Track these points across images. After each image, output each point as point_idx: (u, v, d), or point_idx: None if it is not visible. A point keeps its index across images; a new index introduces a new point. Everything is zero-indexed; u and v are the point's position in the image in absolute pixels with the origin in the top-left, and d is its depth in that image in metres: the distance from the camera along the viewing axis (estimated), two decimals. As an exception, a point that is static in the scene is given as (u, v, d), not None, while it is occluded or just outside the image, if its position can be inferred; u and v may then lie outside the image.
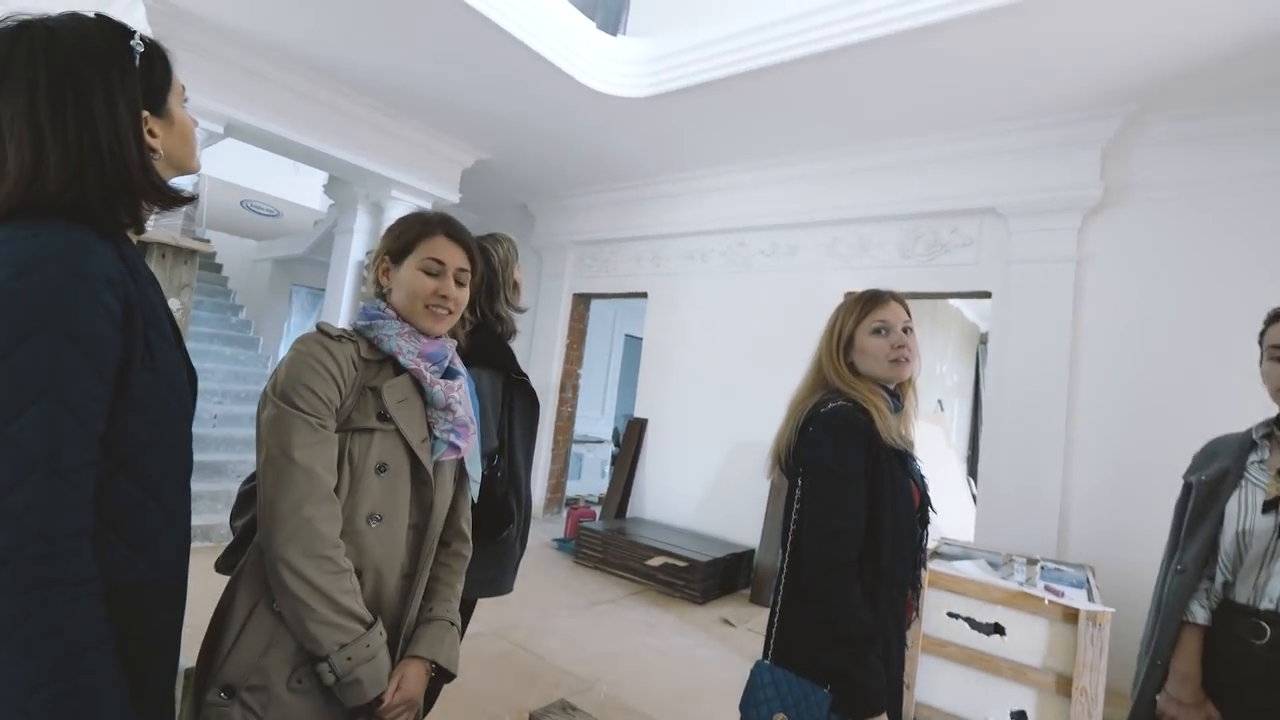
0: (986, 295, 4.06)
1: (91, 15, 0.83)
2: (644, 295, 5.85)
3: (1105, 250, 3.64)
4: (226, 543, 1.19)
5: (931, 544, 2.86)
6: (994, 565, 2.74)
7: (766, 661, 1.34)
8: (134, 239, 0.90)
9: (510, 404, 1.70)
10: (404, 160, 4.92)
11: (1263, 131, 3.26)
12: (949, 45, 3.14)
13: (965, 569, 2.63)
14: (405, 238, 1.19)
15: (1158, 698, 1.52)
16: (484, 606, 1.89)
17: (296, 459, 1.00)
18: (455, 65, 3.92)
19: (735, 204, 5.12)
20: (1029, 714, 2.31)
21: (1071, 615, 2.26)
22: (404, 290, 1.17)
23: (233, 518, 1.20)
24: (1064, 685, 2.23)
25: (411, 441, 1.12)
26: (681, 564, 4.22)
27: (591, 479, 7.83)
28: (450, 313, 1.20)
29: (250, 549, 1.08)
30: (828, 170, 4.60)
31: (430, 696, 1.48)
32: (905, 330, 1.41)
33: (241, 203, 8.77)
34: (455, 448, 1.19)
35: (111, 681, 0.73)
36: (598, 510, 5.76)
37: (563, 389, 6.34)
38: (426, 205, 5.06)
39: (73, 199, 0.77)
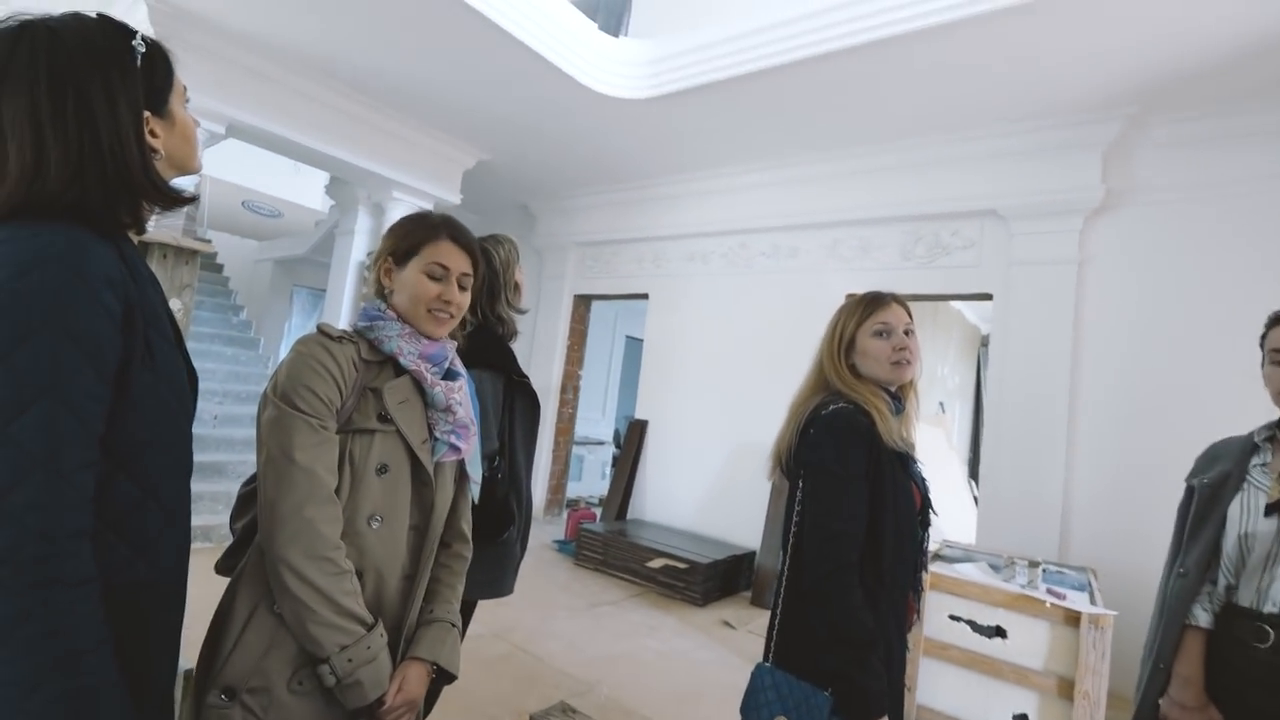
0: (988, 297, 4.06)
1: (93, 15, 0.83)
2: (645, 296, 5.85)
3: (1106, 252, 3.64)
4: (226, 544, 1.19)
5: (933, 546, 2.85)
6: (995, 568, 2.73)
7: (767, 664, 1.34)
8: (135, 239, 0.89)
9: (511, 405, 1.70)
10: (405, 161, 4.92)
11: (1265, 133, 3.26)
12: (950, 48, 3.14)
13: (967, 571, 2.63)
14: (410, 240, 1.18)
15: (1160, 701, 1.51)
16: (484, 608, 1.88)
17: (297, 460, 1.00)
18: (457, 66, 3.92)
19: (736, 205, 5.12)
20: (1031, 717, 2.30)
21: (1073, 618, 2.25)
22: (407, 293, 1.17)
23: (233, 519, 1.20)
24: (1066, 688, 2.22)
25: (412, 443, 1.12)
26: (682, 566, 4.21)
27: (592, 480, 7.83)
28: (452, 316, 1.20)
29: (251, 550, 1.08)
30: (829, 172, 4.60)
31: (430, 698, 1.47)
32: (907, 332, 1.41)
33: (243, 203, 8.78)
34: (456, 449, 1.19)
35: (111, 682, 0.73)
36: (598, 512, 5.75)
37: (563, 390, 6.34)
38: (428, 206, 5.06)
39: (74, 199, 0.77)
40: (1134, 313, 3.52)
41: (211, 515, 4.15)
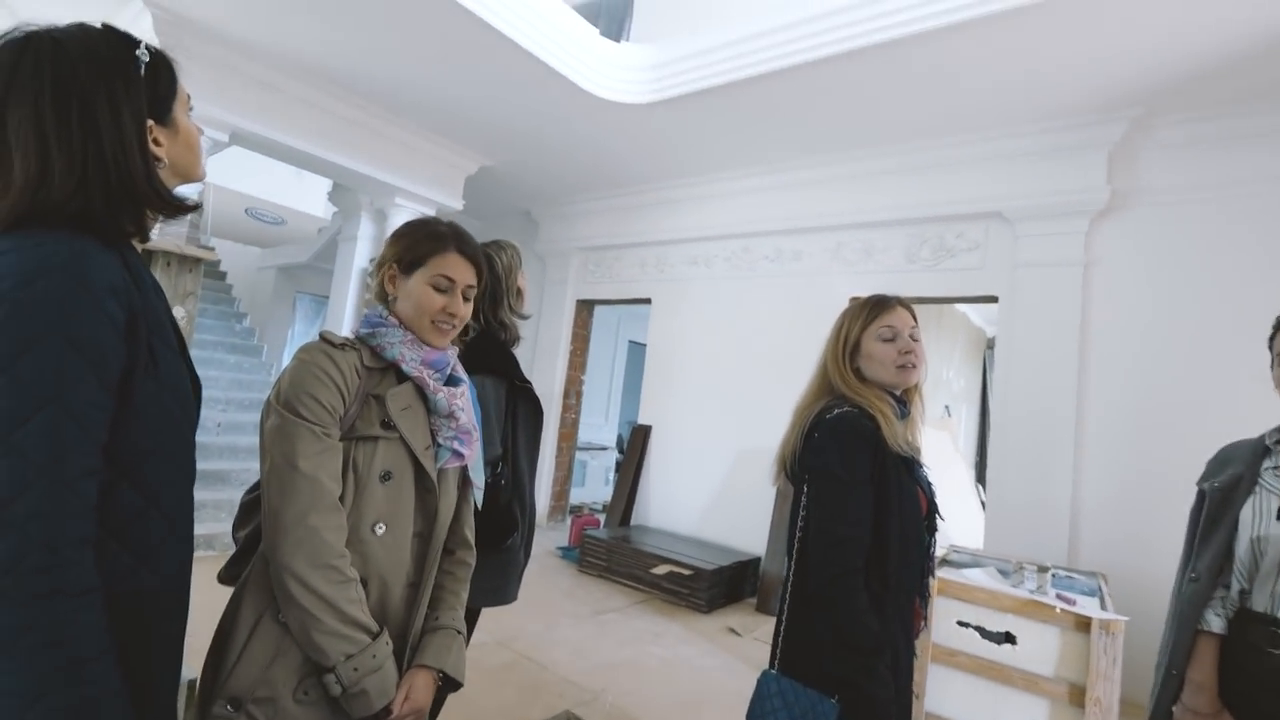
0: (993, 300, 4.04)
1: (98, 25, 0.83)
2: (648, 301, 5.85)
3: (1113, 254, 3.63)
4: (229, 552, 1.18)
5: (940, 551, 2.83)
6: (1004, 573, 2.71)
7: (773, 671, 1.33)
8: (139, 247, 0.90)
9: (514, 411, 1.69)
10: (408, 167, 4.93)
11: (1272, 133, 3.24)
12: (952, 50, 3.14)
13: (975, 577, 2.61)
14: (417, 251, 1.18)
15: (1174, 708, 1.50)
16: (488, 616, 1.88)
17: (301, 468, 0.99)
18: (459, 72, 3.93)
19: (739, 209, 5.12)
20: (1040, 725, 2.28)
21: (1084, 624, 2.23)
22: (412, 303, 1.16)
23: (235, 528, 1.20)
24: (1077, 695, 2.20)
25: (415, 449, 1.12)
26: (687, 572, 4.19)
27: (595, 486, 7.82)
28: (454, 327, 1.20)
29: (255, 559, 1.07)
30: (831, 175, 4.59)
31: (435, 706, 1.47)
32: (912, 336, 1.40)
33: (246, 210, 8.82)
34: (459, 455, 1.19)
35: (113, 692, 0.73)
36: (602, 518, 5.74)
37: (566, 396, 6.34)
38: (430, 212, 5.07)
39: (77, 208, 0.77)
40: (1141, 314, 3.50)
41: (214, 523, 4.14)
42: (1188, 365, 3.34)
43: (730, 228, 5.18)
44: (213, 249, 4.74)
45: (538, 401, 1.77)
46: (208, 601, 1.27)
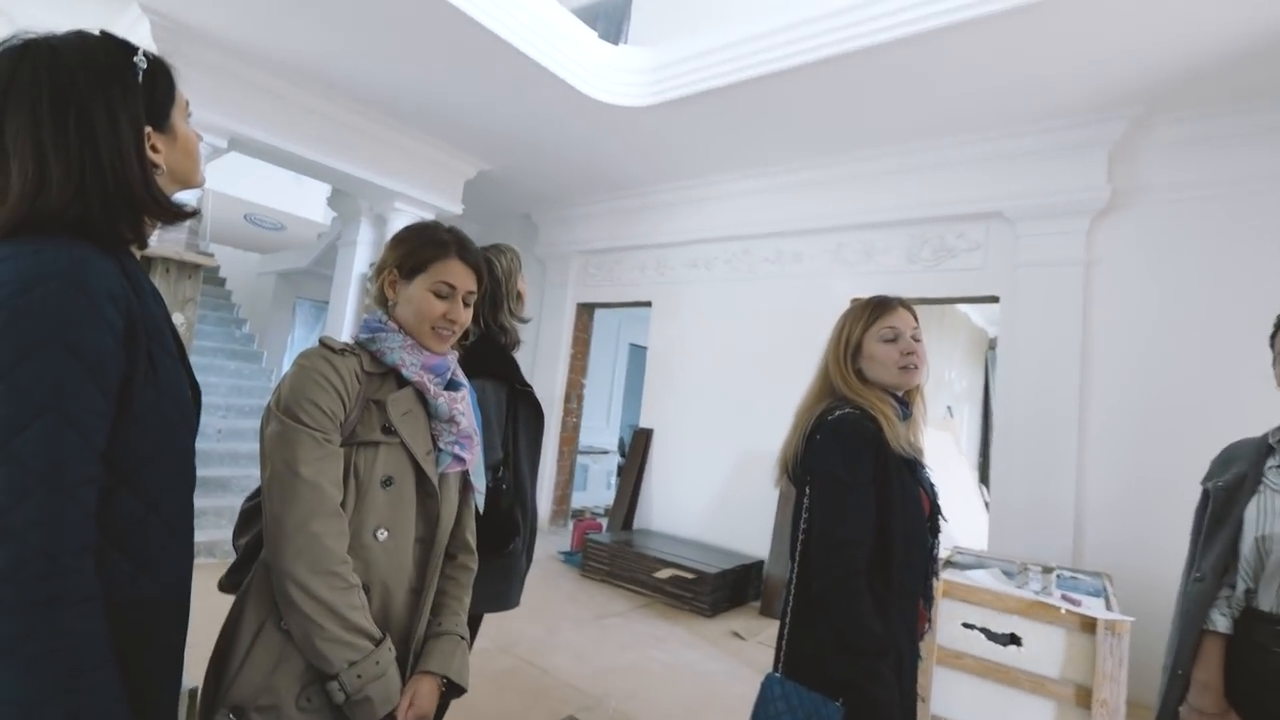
0: (994, 300, 4.04)
1: (96, 33, 0.84)
2: (648, 304, 5.85)
3: (1114, 253, 3.62)
4: (230, 560, 1.18)
5: (943, 553, 2.82)
6: (1009, 574, 2.71)
7: (777, 674, 1.33)
8: (137, 254, 0.89)
9: (514, 415, 1.69)
10: (407, 172, 4.94)
11: (1273, 130, 3.24)
12: (953, 50, 3.14)
13: (979, 578, 2.60)
14: (418, 257, 1.17)
15: (1180, 709, 1.49)
16: (490, 621, 1.87)
17: (302, 474, 0.99)
18: (458, 76, 3.94)
19: (739, 211, 5.12)
20: (1047, 726, 2.27)
21: (1089, 625, 2.22)
22: (412, 308, 1.16)
23: (236, 535, 1.19)
24: (1084, 697, 2.19)
25: (416, 454, 1.12)
26: (690, 576, 4.18)
27: (597, 490, 7.80)
28: (454, 333, 1.20)
29: (256, 566, 1.07)
30: (832, 176, 4.59)
31: (438, 712, 1.46)
32: (914, 337, 1.40)
33: (245, 216, 8.83)
34: (460, 459, 1.19)
35: (113, 700, 0.72)
36: (604, 522, 5.73)
37: (567, 399, 6.33)
38: (430, 216, 5.08)
39: (75, 215, 0.77)
40: (1144, 313, 3.50)
41: (215, 530, 4.13)
42: (1191, 363, 3.33)
43: (730, 230, 5.18)
44: (212, 255, 4.73)
45: (538, 405, 1.77)
46: (208, 609, 1.26)
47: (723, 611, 4.19)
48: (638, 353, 8.47)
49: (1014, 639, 2.36)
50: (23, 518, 0.67)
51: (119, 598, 0.76)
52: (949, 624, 2.47)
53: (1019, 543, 3.58)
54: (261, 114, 4.10)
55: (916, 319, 1.43)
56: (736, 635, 3.80)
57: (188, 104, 0.92)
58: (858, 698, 1.18)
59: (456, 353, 1.28)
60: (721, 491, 5.04)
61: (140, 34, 3.50)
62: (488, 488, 1.53)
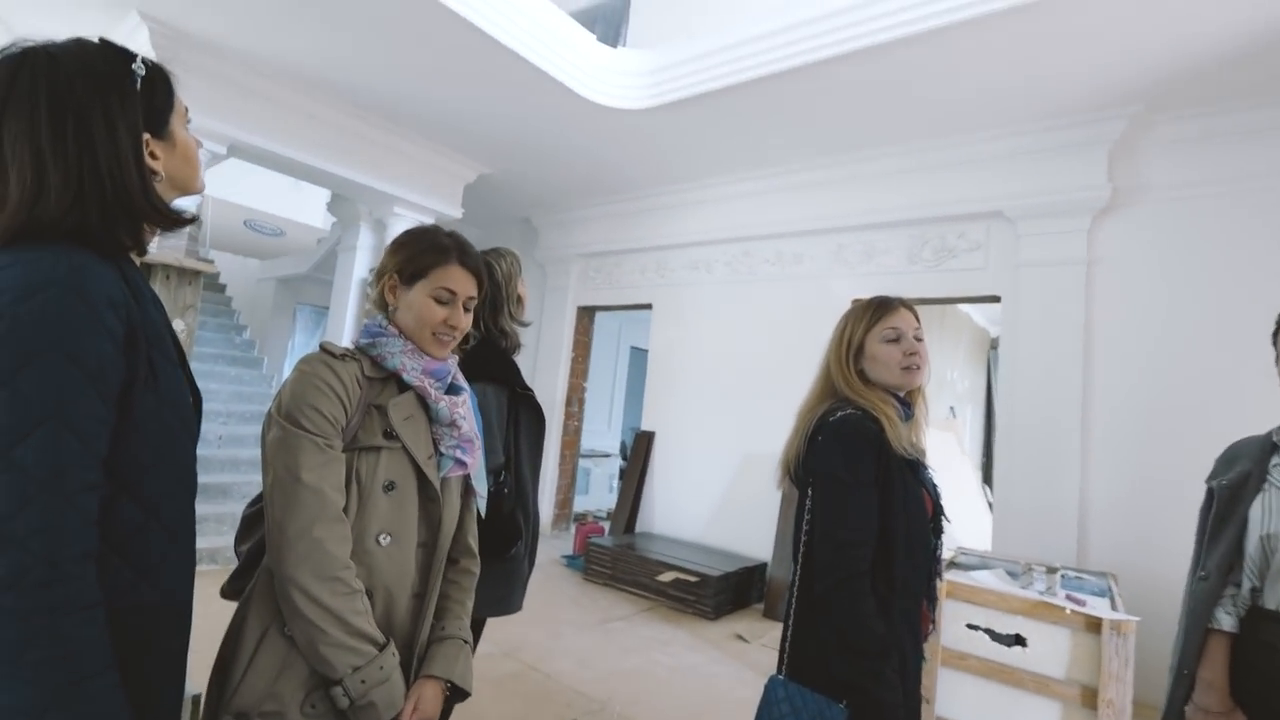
0: (996, 300, 4.04)
1: (95, 40, 0.84)
2: (648, 307, 5.85)
3: (1116, 252, 3.62)
4: (232, 566, 1.18)
5: (947, 554, 2.82)
6: (1013, 575, 2.70)
7: (781, 676, 1.33)
8: (137, 260, 0.90)
9: (515, 419, 1.69)
10: (406, 176, 4.94)
11: (1273, 129, 3.23)
12: (950, 51, 3.14)
13: (983, 579, 2.59)
14: (419, 263, 1.17)
15: (1186, 708, 1.48)
16: (493, 625, 1.86)
17: (304, 480, 0.99)
18: (457, 80, 3.94)
19: (739, 213, 5.12)
20: (1053, 727, 2.26)
21: (1094, 625, 2.21)
22: (413, 314, 1.16)
23: (237, 542, 1.19)
24: (1089, 697, 2.18)
25: (418, 459, 1.12)
26: (693, 579, 4.17)
27: (599, 494, 7.80)
28: (455, 339, 1.20)
29: (259, 572, 1.07)
30: (832, 177, 4.59)
31: (442, 716, 1.45)
32: (916, 338, 1.40)
33: (245, 222, 8.83)
34: (462, 463, 1.19)
35: (117, 707, 0.72)
36: (606, 526, 5.72)
37: (569, 403, 6.33)
38: (429, 221, 5.08)
39: (74, 223, 0.77)
40: (1146, 311, 3.49)
41: (217, 537, 4.13)
42: (1194, 361, 3.32)
43: (730, 231, 5.18)
44: (212, 261, 4.75)
45: (539, 409, 1.77)
46: (210, 616, 1.26)
47: (726, 614, 4.18)
48: (639, 355, 8.47)
49: (1019, 640, 2.35)
50: (24, 525, 0.67)
51: (120, 604, 0.77)
52: (953, 625, 2.47)
53: (1023, 543, 3.57)
54: (260, 120, 4.10)
55: (918, 319, 1.43)
56: (740, 638, 3.79)
57: (187, 110, 0.93)
58: (862, 699, 1.18)
59: (457, 357, 1.28)
60: (724, 494, 5.03)
61: (139, 41, 3.50)
62: (489, 492, 1.52)
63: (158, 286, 4.07)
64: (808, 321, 4.60)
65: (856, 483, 1.27)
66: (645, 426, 5.66)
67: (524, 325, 1.84)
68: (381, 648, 1.02)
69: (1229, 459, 1.59)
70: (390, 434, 1.09)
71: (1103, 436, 3.53)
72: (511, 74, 3.76)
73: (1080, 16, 2.81)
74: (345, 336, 5.18)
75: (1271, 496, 1.43)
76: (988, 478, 6.69)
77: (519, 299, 1.82)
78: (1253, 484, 1.47)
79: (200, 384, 0.97)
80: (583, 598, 4.31)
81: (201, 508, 4.02)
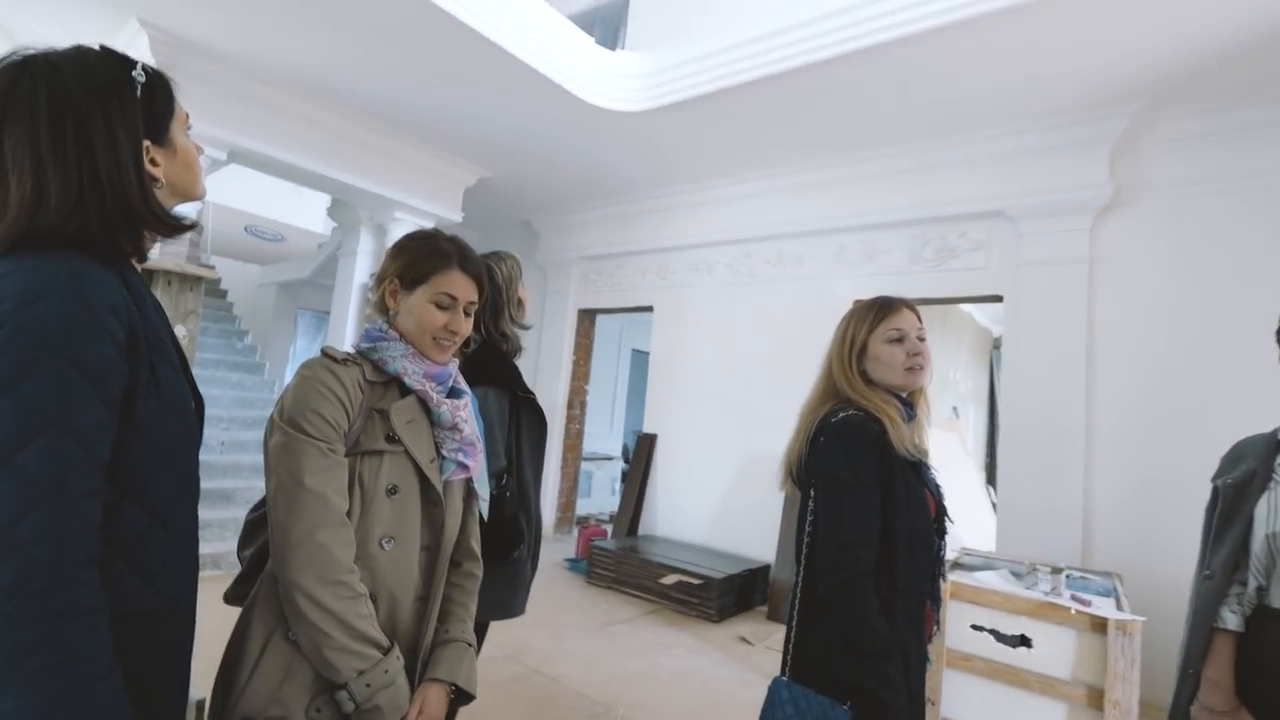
0: (998, 299, 4.03)
1: (95, 48, 0.84)
2: (650, 309, 5.85)
3: (1119, 250, 3.61)
4: (235, 572, 1.18)
5: (951, 554, 2.81)
6: (1017, 575, 2.69)
7: (784, 677, 1.32)
8: (138, 266, 0.90)
9: (517, 422, 1.69)
10: (406, 181, 4.95)
11: (1275, 125, 3.22)
12: (950, 50, 3.14)
13: (988, 580, 2.59)
14: (420, 268, 1.17)
15: (1191, 708, 1.47)
16: (496, 629, 1.86)
17: (308, 485, 0.99)
18: (455, 85, 3.95)
19: (739, 215, 5.12)
20: (1059, 728, 2.25)
21: (1100, 625, 2.20)
22: (413, 319, 1.16)
23: (240, 547, 1.19)
24: (1095, 698, 2.17)
25: (421, 462, 1.12)
26: (696, 581, 4.17)
27: (602, 497, 7.79)
28: (455, 344, 1.20)
29: (263, 577, 1.07)
30: (832, 178, 4.59)
31: (446, 719, 1.45)
32: (919, 337, 1.40)
33: (245, 228, 8.85)
34: (464, 467, 1.19)
35: (121, 712, 0.72)
36: (609, 528, 5.71)
37: (570, 406, 6.33)
38: (430, 225, 5.08)
39: (74, 230, 0.77)
40: (1150, 310, 3.48)
41: (220, 543, 4.13)
42: (1199, 359, 3.31)
43: (731, 233, 5.18)
44: (213, 267, 4.75)
45: (541, 412, 1.77)
46: (214, 621, 1.26)
47: (730, 617, 4.17)
48: (640, 358, 8.46)
49: (1024, 640, 2.34)
50: (28, 531, 0.67)
51: (124, 610, 0.77)
52: (958, 626, 2.46)
53: (1027, 544, 3.56)
54: (261, 126, 4.11)
55: (920, 319, 1.43)
56: (744, 640, 3.78)
57: (188, 117, 0.93)
58: (865, 700, 1.18)
59: (457, 360, 1.29)
60: (727, 496, 5.02)
61: (139, 48, 3.52)
62: (491, 495, 1.52)
63: (159, 292, 4.07)
64: (809, 322, 4.60)
65: (859, 483, 1.27)
66: (647, 429, 5.65)
67: (525, 328, 1.84)
68: (386, 651, 1.02)
69: (1234, 457, 1.58)
70: (392, 438, 1.09)
71: (1107, 435, 3.52)
72: (510, 77, 3.77)
73: (1079, 15, 2.81)
74: (347, 341, 5.18)
75: (1277, 495, 1.42)
76: (991, 478, 6.67)
77: (520, 302, 1.82)
78: (1258, 482, 1.46)
79: (202, 390, 0.97)
80: (586, 601, 4.30)
81: (204, 513, 4.01)
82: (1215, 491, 1.58)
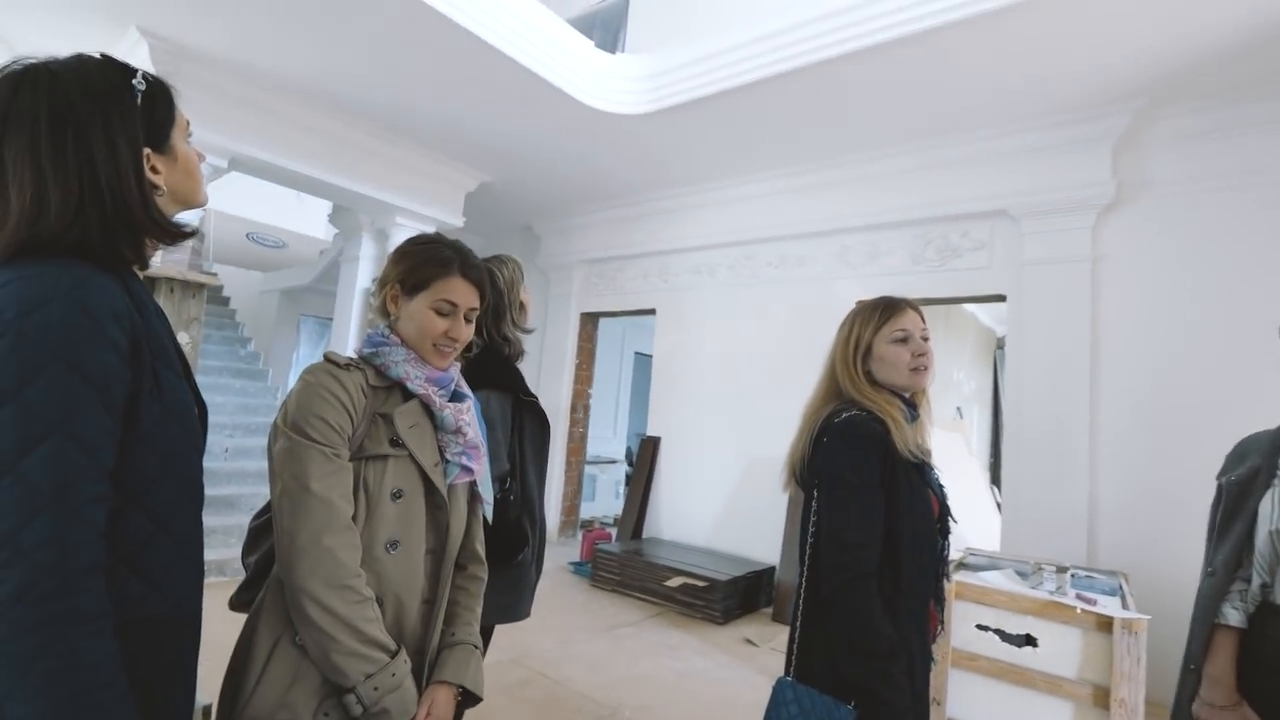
0: (1001, 299, 4.02)
1: (96, 56, 0.84)
2: (652, 312, 5.84)
3: (1122, 249, 3.60)
4: (240, 578, 1.18)
5: (956, 554, 2.80)
6: (1022, 575, 2.68)
7: (789, 678, 1.32)
8: (140, 274, 0.90)
9: (520, 426, 1.69)
10: (407, 186, 4.96)
11: (1278, 121, 3.22)
12: (952, 48, 3.14)
13: (993, 579, 2.58)
14: (421, 274, 1.17)
15: (1193, 704, 1.47)
16: (501, 633, 1.86)
17: (313, 489, 0.99)
18: (455, 90, 3.96)
19: (741, 216, 5.12)
20: (1066, 728, 2.24)
21: (1106, 624, 2.19)
22: (414, 325, 1.16)
23: (245, 553, 1.19)
24: (1101, 697, 2.16)
25: (425, 466, 1.12)
26: (701, 584, 4.16)
27: (606, 500, 7.78)
28: (456, 350, 1.20)
29: (269, 582, 1.07)
30: (834, 178, 4.59)
31: (452, 722, 1.45)
32: (923, 338, 1.40)
33: (247, 235, 8.86)
34: (468, 470, 1.19)
35: (126, 717, 0.72)
36: (613, 532, 5.71)
37: (574, 409, 6.33)
38: (431, 230, 5.09)
39: (75, 238, 0.77)
40: (1154, 308, 3.47)
41: (224, 549, 4.13)
42: (1203, 359, 3.30)
43: (732, 235, 5.18)
44: (215, 274, 4.76)
45: (544, 415, 1.77)
46: (219, 628, 1.26)
47: (735, 619, 4.17)
48: (643, 361, 8.46)
49: (1029, 640, 2.33)
50: (33, 538, 0.67)
51: (129, 616, 0.77)
52: (963, 626, 2.45)
53: (1032, 544, 3.55)
54: (261, 133, 4.12)
55: (924, 319, 1.43)
56: (749, 642, 3.77)
57: (188, 124, 0.93)
58: (870, 700, 1.18)
59: (460, 364, 1.29)
60: (731, 498, 5.02)
61: (139, 57, 3.53)
62: (495, 499, 1.52)
63: (161, 300, 4.08)
64: (812, 323, 4.59)
65: (862, 484, 1.27)
66: (651, 432, 5.65)
67: (527, 332, 1.84)
68: (393, 655, 1.02)
69: (1239, 454, 1.58)
70: (396, 442, 1.10)
71: (1112, 434, 3.51)
72: (510, 81, 3.78)
73: (1080, 13, 2.81)
74: (349, 347, 5.19)
75: (1280, 492, 1.42)
76: (996, 478, 6.65)
77: (522, 306, 1.82)
78: (1262, 479, 1.46)
79: (206, 396, 0.97)
80: (591, 604, 4.30)
81: (208, 520, 4.03)
82: (1220, 488, 1.58)
